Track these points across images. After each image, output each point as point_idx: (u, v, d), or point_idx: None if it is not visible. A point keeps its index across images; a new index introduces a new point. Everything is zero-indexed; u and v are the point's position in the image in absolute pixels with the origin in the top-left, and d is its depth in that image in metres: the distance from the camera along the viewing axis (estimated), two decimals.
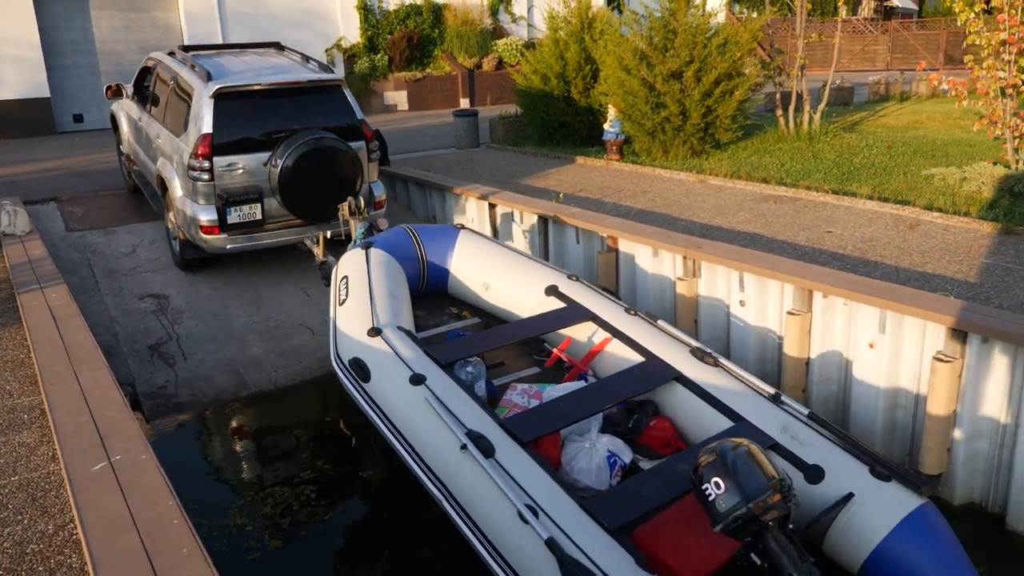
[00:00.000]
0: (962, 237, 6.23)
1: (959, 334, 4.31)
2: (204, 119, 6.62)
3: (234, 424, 5.83)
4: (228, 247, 6.90)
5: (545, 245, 7.46)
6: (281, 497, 4.80)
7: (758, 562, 2.93)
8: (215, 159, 6.63)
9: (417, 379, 3.88)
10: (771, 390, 3.92)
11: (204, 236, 6.81)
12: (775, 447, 3.62)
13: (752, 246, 6.11)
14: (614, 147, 10.36)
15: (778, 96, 11.59)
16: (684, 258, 5.92)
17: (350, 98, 7.37)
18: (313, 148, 6.71)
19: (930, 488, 3.95)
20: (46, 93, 16.58)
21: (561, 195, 8.13)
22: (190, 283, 7.49)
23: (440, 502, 3.55)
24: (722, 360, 4.19)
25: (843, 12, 12.89)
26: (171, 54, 8.03)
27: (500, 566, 3.18)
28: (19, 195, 9.35)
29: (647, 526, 3.24)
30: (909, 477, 3.41)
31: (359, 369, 4.18)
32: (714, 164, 9.50)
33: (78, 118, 16.88)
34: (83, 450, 3.31)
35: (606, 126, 10.46)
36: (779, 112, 11.41)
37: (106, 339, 6.44)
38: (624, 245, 6.53)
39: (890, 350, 4.68)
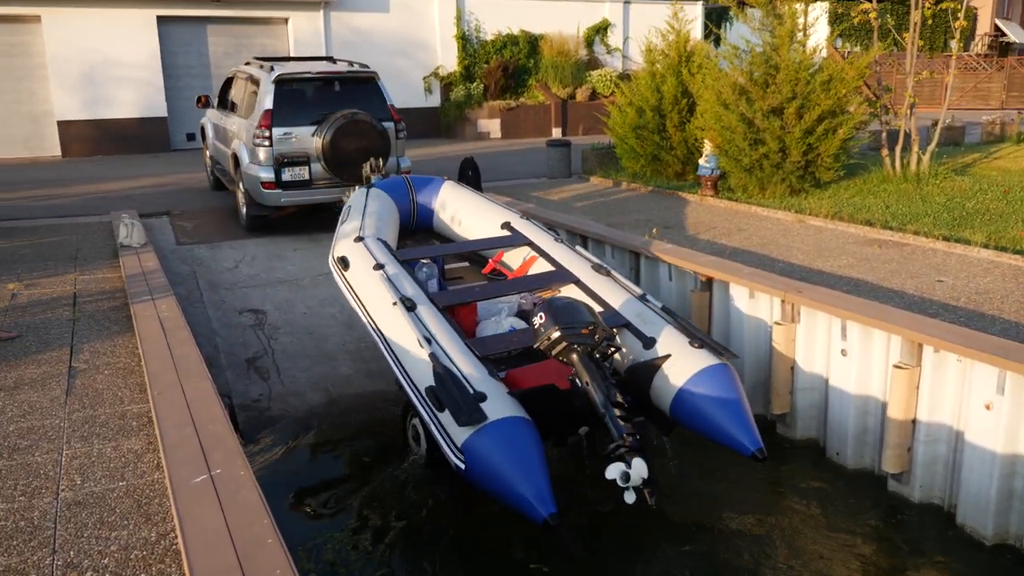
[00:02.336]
0: None
1: None
2: (267, 99, 8.62)
3: (322, 440, 5.94)
4: (282, 200, 8.74)
5: (636, 280, 7.38)
6: (365, 517, 4.84)
7: (579, 383, 4.16)
8: (274, 130, 8.55)
9: (378, 266, 5.38)
10: (640, 292, 5.35)
11: (264, 191, 8.65)
12: (627, 325, 4.97)
13: (856, 292, 5.88)
14: (709, 182, 10.21)
15: (884, 135, 11.20)
16: (783, 301, 5.74)
17: (383, 88, 9.37)
18: (349, 122, 8.57)
19: (729, 354, 4.77)
20: (163, 113, 17.55)
21: (655, 230, 8.04)
22: (287, 301, 7.73)
23: (379, 344, 4.97)
24: (613, 273, 5.58)
25: (955, 48, 12.41)
26: (247, 64, 9.96)
27: (406, 378, 4.54)
28: (136, 208, 9.89)
29: (515, 368, 4.73)
30: (716, 346, 4.67)
31: (343, 263, 5.69)
32: (814, 203, 9.22)
33: (191, 137, 17.77)
34: (185, 462, 3.42)
35: (701, 161, 10.32)
36: (885, 151, 11.01)
37: (207, 350, 6.68)
38: (719, 284, 6.40)
39: (1009, 413, 4.39)
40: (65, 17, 16.46)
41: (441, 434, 4.10)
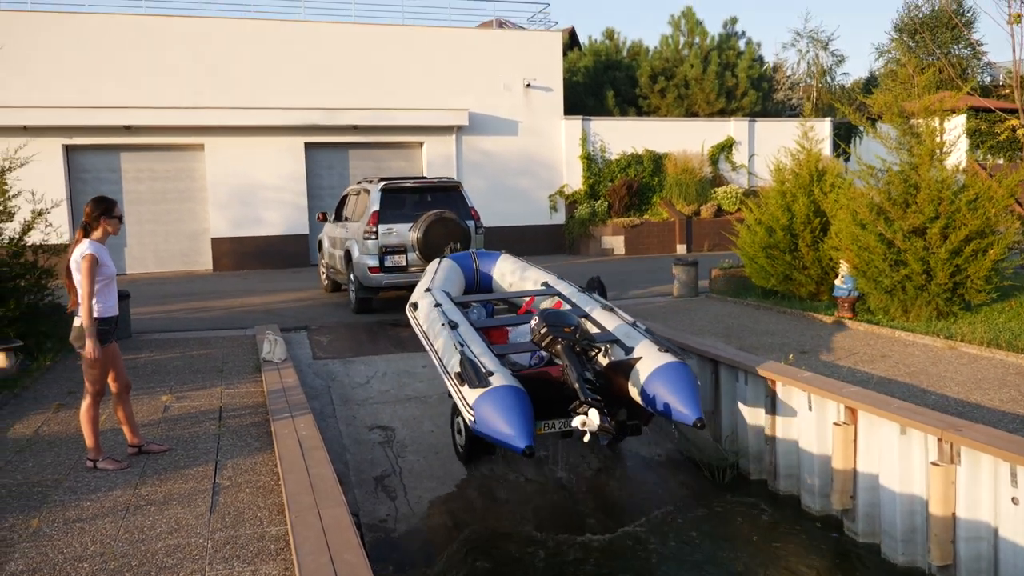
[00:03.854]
0: None
1: None
2: (375, 202, 10.77)
3: (448, 566, 5.84)
4: (384, 282, 10.64)
5: (772, 407, 7.04)
6: None
7: (567, 374, 5.70)
8: (379, 226, 10.64)
9: (437, 305, 7.15)
10: (631, 320, 6.79)
11: (370, 274, 10.64)
12: (616, 341, 6.42)
13: (1023, 432, 5.37)
14: (846, 304, 9.79)
15: None
16: (940, 440, 5.30)
17: (465, 194, 11.38)
18: (437, 219, 10.48)
19: (686, 356, 6.34)
20: (305, 230, 18.77)
21: (791, 356, 7.72)
22: (415, 418, 7.83)
23: (429, 351, 6.74)
24: (617, 311, 7.04)
25: None
26: (359, 183, 12.30)
27: (447, 376, 6.03)
28: (277, 322, 10.46)
29: (527, 369, 6.40)
30: (675, 351, 6.08)
31: (414, 306, 7.59)
32: (965, 328, 8.63)
33: None
34: None
35: (837, 282, 9.95)
36: None
37: (338, 467, 6.78)
38: (865, 419, 6.00)
39: None
40: (224, 145, 18.17)
41: (461, 401, 5.63)
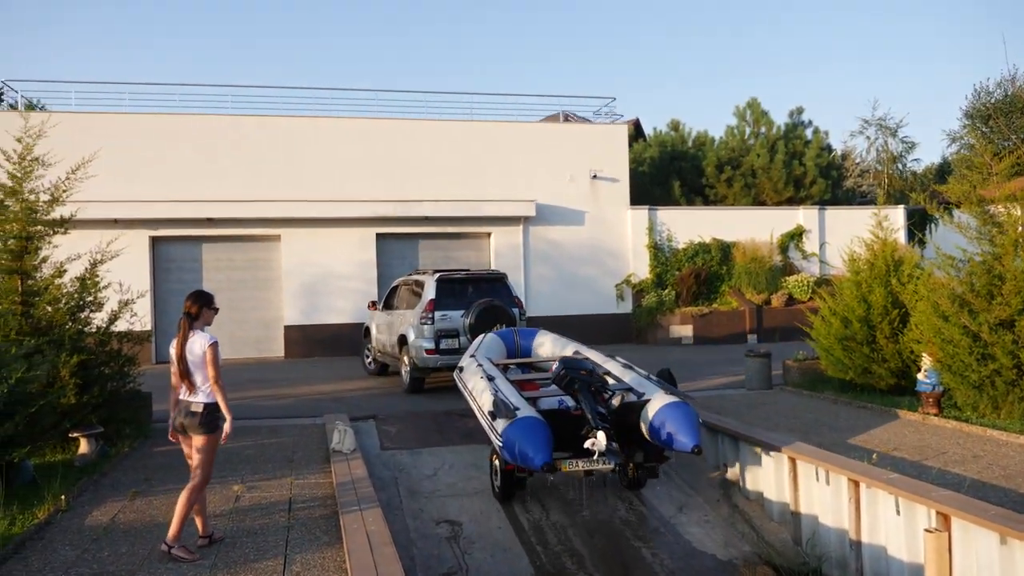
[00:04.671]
0: None
1: None
2: (430, 292, 11.98)
3: None
4: (439, 363, 11.70)
5: (856, 512, 6.67)
6: None
7: (582, 407, 6.91)
8: (435, 313, 11.76)
9: (479, 365, 8.53)
10: (646, 373, 8.00)
11: (426, 356, 11.75)
12: (629, 388, 7.56)
13: None
14: (931, 399, 9.36)
15: None
16: None
17: (511, 285, 12.72)
18: (487, 307, 11.63)
19: (687, 397, 7.32)
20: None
21: (875, 455, 7.36)
22: (482, 513, 7.69)
23: (471, 401, 8.10)
24: (634, 367, 8.26)
25: None
26: (410, 275, 13.84)
27: (485, 421, 7.22)
28: (345, 411, 10.54)
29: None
30: (678, 393, 7.31)
31: (460, 369, 9.09)
32: None
33: None
34: None
35: (920, 376, 9.55)
36: None
37: (404, 562, 6.64)
38: (959, 526, 5.62)
39: None
40: (300, 235, 18.84)
41: (492, 432, 6.92)
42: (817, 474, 7.21)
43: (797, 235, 21.81)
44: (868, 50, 77.40)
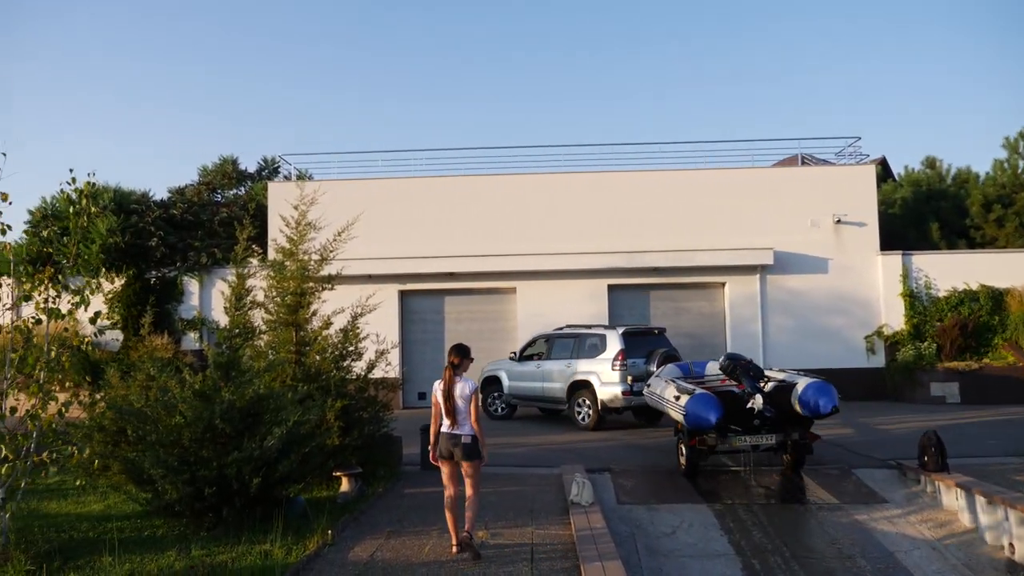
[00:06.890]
0: None
1: None
2: (618, 343, 14.20)
3: None
4: (633, 403, 13.89)
5: None
6: None
7: (745, 395, 9.72)
8: (628, 361, 13.94)
9: (660, 378, 11.71)
10: (794, 370, 11.10)
11: (622, 397, 13.86)
12: (783, 380, 10.13)
13: None
14: None
15: None
16: None
17: (667, 337, 15.07)
18: (667, 355, 13.66)
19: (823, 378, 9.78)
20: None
21: None
22: None
23: (660, 401, 10.76)
24: (787, 369, 11.60)
25: None
26: (559, 329, 16.21)
27: (666, 402, 10.35)
28: (579, 461, 10.54)
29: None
30: (819, 378, 9.76)
31: (648, 385, 12.15)
32: None
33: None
34: None
35: None
36: None
37: None
38: None
39: None
40: (534, 287, 19.46)
41: (677, 410, 9.49)
42: None
43: None
44: None
